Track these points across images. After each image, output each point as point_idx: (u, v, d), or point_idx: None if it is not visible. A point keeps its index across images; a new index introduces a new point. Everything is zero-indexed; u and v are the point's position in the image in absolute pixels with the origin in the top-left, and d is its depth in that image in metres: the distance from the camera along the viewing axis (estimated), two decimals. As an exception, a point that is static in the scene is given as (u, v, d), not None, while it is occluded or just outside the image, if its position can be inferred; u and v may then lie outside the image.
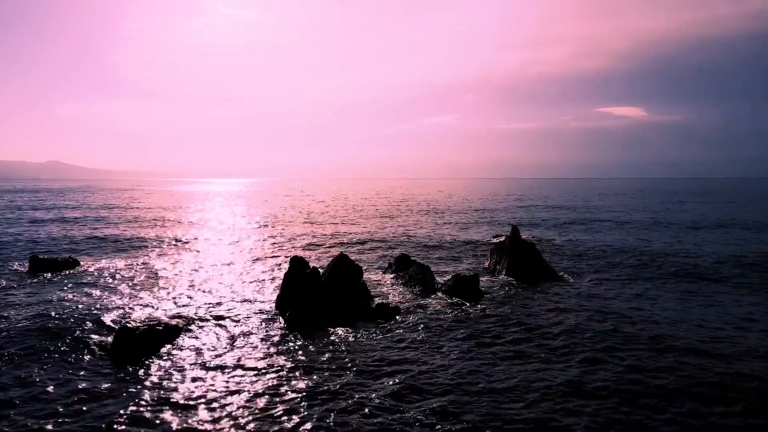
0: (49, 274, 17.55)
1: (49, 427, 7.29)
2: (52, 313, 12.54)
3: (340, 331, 11.69)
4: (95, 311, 12.92)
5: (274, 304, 13.37)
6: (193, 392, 8.38)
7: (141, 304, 13.79)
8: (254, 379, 8.97)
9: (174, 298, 14.60)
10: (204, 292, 15.35)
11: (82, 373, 9.18)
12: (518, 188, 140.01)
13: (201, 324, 11.99)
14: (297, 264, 13.48)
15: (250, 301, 14.15)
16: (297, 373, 9.20)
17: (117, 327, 10.98)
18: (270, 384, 8.75)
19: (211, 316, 12.66)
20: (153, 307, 13.53)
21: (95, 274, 17.93)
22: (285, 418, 7.57)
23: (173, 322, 11.44)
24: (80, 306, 13.42)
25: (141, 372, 9.22)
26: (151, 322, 10.74)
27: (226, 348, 10.49)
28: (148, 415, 7.61)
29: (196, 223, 38.88)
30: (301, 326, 11.89)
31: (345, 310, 12.93)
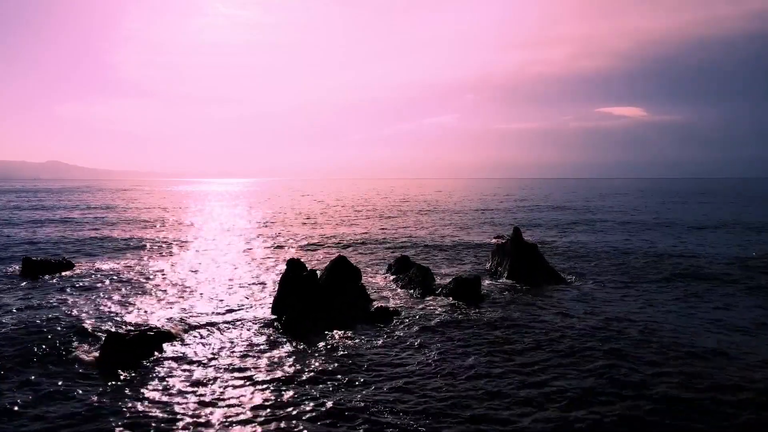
0: (43, 277, 17.20)
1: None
2: (41, 318, 12.20)
3: (337, 334, 11.39)
4: (84, 315, 12.59)
5: (270, 308, 13.06)
6: (186, 398, 8.07)
7: (134, 308, 13.46)
8: (247, 384, 8.67)
9: (169, 301, 14.28)
10: (200, 294, 15.03)
11: (67, 380, 8.85)
12: (518, 188, 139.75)
13: (195, 328, 11.66)
14: (293, 266, 13.18)
15: (246, 304, 13.84)
16: (291, 377, 8.94)
17: (106, 333, 10.61)
18: (264, 388, 8.47)
19: (206, 319, 12.36)
20: (146, 311, 13.19)
21: (89, 276, 17.59)
22: (281, 423, 7.32)
23: (166, 326, 11.13)
24: (70, 310, 13.08)
25: (130, 379, 8.89)
26: (143, 328, 10.42)
27: (219, 351, 10.20)
28: (136, 422, 7.31)
29: (195, 224, 38.57)
30: (297, 329, 11.60)
31: (343, 313, 12.64)
